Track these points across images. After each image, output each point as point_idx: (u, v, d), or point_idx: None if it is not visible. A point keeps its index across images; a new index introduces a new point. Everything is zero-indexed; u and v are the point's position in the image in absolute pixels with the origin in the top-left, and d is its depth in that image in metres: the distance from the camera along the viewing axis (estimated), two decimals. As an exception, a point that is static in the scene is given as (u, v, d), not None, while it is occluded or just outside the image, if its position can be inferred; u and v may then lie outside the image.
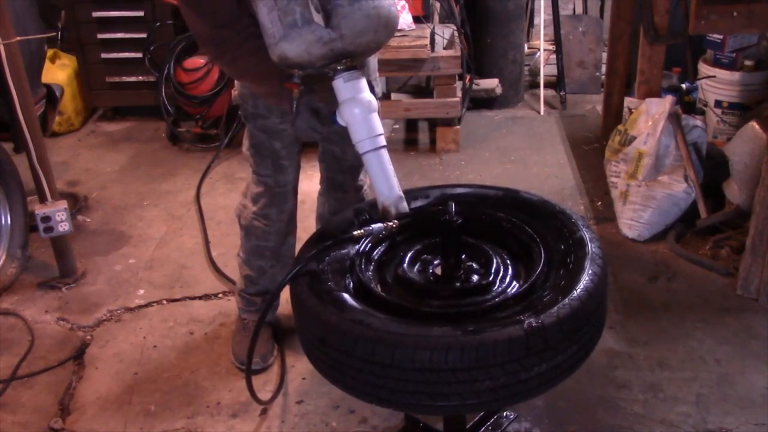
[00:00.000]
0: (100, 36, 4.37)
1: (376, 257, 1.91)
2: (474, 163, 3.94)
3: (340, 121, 1.80)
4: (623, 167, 3.19)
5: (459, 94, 4.10)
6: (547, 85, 4.66)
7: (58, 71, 4.34)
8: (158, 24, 4.25)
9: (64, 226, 2.85)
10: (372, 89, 1.83)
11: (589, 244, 1.76)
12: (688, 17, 2.80)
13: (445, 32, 4.15)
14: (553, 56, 4.75)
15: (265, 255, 2.43)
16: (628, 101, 3.43)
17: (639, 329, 2.55)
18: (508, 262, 1.86)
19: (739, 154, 2.99)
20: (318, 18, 1.62)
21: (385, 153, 1.80)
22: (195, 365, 2.51)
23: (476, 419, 2.07)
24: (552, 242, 1.83)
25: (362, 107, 1.76)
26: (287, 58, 1.69)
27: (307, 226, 2.70)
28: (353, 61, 1.75)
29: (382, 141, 1.79)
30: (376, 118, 1.79)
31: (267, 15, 1.67)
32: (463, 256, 1.86)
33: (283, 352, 2.53)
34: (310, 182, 3.17)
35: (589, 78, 4.85)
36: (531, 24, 5.36)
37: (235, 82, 2.30)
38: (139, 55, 4.31)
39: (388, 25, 1.73)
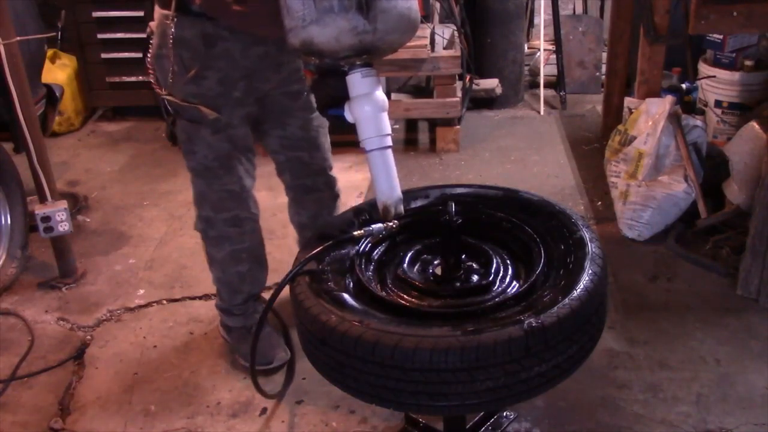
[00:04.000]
0: (100, 36, 4.37)
1: (376, 257, 1.91)
2: (474, 163, 3.94)
3: (348, 116, 1.79)
4: (623, 167, 3.19)
5: (459, 94, 4.10)
6: (547, 85, 4.66)
7: (58, 71, 4.34)
8: (158, 24, 4.25)
9: (64, 226, 2.85)
10: None
11: (589, 244, 1.76)
12: (688, 17, 2.80)
13: (445, 32, 4.15)
14: (553, 56, 4.75)
15: (242, 258, 2.36)
16: (628, 101, 3.43)
17: (639, 329, 2.55)
18: (508, 262, 1.86)
19: (739, 154, 2.99)
20: (355, 8, 1.61)
21: (390, 154, 1.79)
22: (195, 365, 2.51)
23: (476, 419, 2.07)
24: (552, 242, 1.83)
25: (374, 105, 1.76)
26: (312, 43, 1.65)
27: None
28: (372, 58, 1.75)
29: (389, 141, 1.79)
30: (386, 118, 1.78)
31: None
32: (463, 256, 1.86)
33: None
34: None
35: (589, 78, 4.85)
36: (531, 24, 5.37)
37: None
38: (139, 55, 4.27)
39: (413, 28, 1.74)
